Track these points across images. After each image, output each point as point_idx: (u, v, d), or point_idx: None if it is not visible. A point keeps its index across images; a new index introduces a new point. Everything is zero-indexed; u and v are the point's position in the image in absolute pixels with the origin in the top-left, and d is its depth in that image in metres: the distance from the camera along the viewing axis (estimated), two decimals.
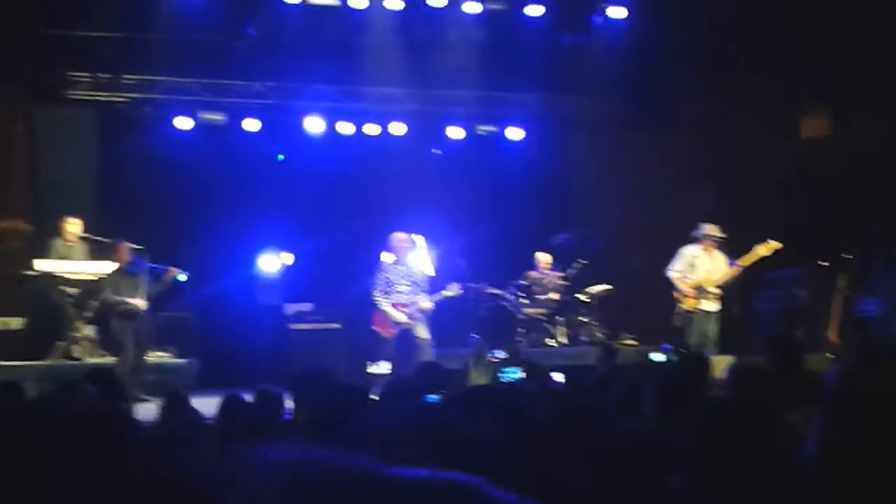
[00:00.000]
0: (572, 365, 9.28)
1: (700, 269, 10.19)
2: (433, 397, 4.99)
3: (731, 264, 10.15)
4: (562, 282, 12.47)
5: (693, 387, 4.55)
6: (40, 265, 10.30)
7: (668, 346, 6.23)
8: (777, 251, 10.05)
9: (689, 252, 10.30)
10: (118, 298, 9.92)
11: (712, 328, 10.14)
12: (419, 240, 10.36)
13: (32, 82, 12.22)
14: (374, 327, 9.97)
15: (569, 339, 12.22)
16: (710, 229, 10.22)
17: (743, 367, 4.51)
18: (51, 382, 6.87)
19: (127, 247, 10.08)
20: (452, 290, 10.17)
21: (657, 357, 6.36)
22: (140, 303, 10.01)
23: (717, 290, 10.21)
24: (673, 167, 13.03)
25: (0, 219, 11.74)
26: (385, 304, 9.83)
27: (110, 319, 10.13)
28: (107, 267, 10.35)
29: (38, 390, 7.09)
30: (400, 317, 9.75)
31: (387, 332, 9.86)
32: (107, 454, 3.53)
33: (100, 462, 3.49)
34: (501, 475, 2.32)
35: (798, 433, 4.08)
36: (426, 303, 9.89)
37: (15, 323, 10.14)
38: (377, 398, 4.99)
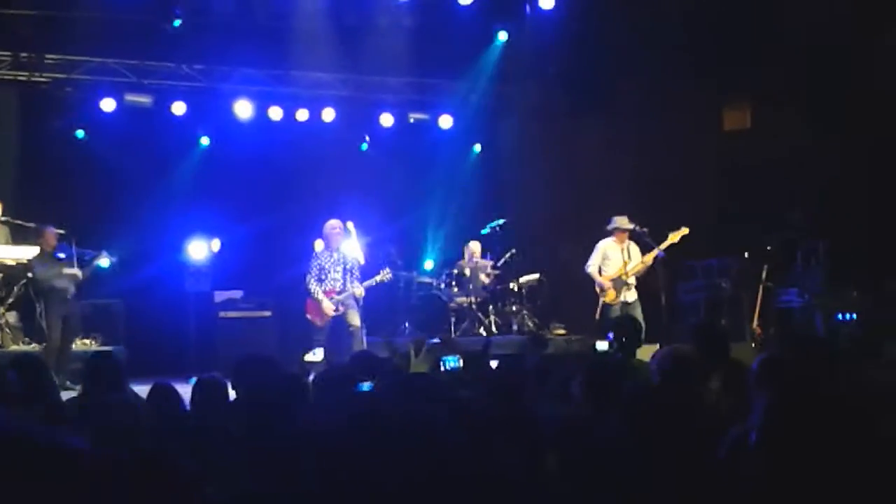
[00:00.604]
0: (503, 354, 9.38)
1: (615, 261, 10.43)
2: (366, 385, 5.01)
3: (645, 256, 10.37)
4: (492, 270, 12.58)
5: (621, 374, 4.66)
6: None
7: (611, 336, 6.32)
8: (686, 238, 10.26)
9: (603, 246, 10.54)
10: (47, 281, 9.67)
11: (638, 316, 10.31)
12: (350, 226, 10.33)
13: None
14: (307, 315, 9.92)
15: (499, 328, 12.34)
16: (620, 221, 10.46)
17: (669, 354, 4.63)
18: None
19: (53, 232, 9.84)
20: (383, 276, 10.18)
21: (602, 346, 6.46)
22: (68, 285, 9.76)
23: (633, 281, 10.43)
24: (603, 156, 13.21)
25: None
26: (318, 293, 9.78)
27: (36, 305, 9.88)
28: (30, 252, 10.07)
29: None
30: (329, 308, 9.72)
31: (320, 320, 9.82)
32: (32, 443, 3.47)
33: (26, 454, 3.42)
34: (439, 458, 2.37)
35: (724, 419, 4.23)
36: (358, 289, 9.88)
37: None
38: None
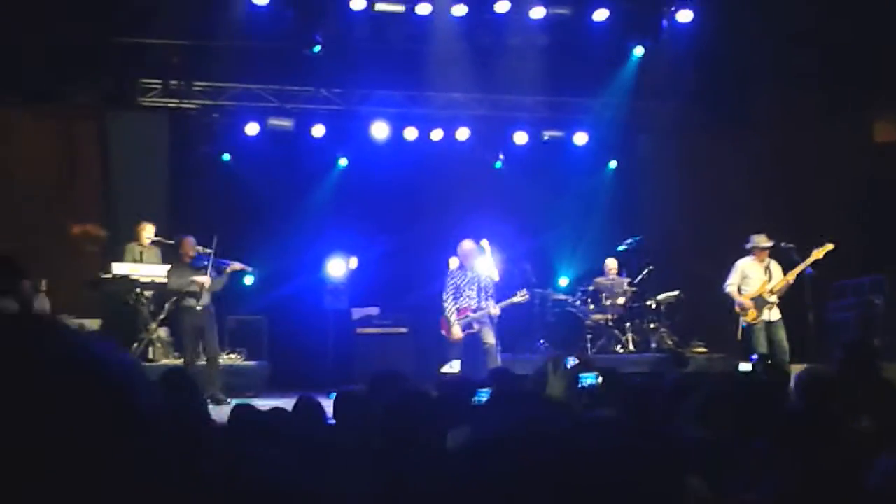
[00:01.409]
0: (641, 372, 9.20)
1: (755, 279, 10.07)
2: (484, 392, 4.98)
3: (788, 273, 9.96)
4: (629, 287, 12.36)
5: (772, 397, 4.48)
6: (116, 268, 10.51)
7: (756, 357, 6.12)
8: (830, 253, 9.80)
9: (742, 264, 10.21)
10: (179, 290, 9.89)
11: (781, 337, 9.95)
12: (485, 244, 10.32)
13: (105, 89, 12.47)
14: (441, 331, 9.98)
15: (636, 345, 12.10)
16: (758, 240, 10.10)
17: (810, 376, 4.40)
18: None
19: (191, 242, 10.05)
20: (520, 297, 10.17)
21: (745, 367, 6.23)
22: (204, 284, 9.94)
23: (776, 299, 10.02)
24: (743, 171, 12.86)
25: (76, 224, 12.01)
26: (451, 313, 9.85)
27: (178, 318, 10.19)
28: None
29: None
30: (456, 333, 9.80)
31: (453, 339, 9.85)
32: (174, 457, 3.58)
33: (168, 465, 3.53)
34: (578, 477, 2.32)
35: (871, 441, 4.00)
36: (494, 308, 9.87)
37: (91, 325, 10.32)
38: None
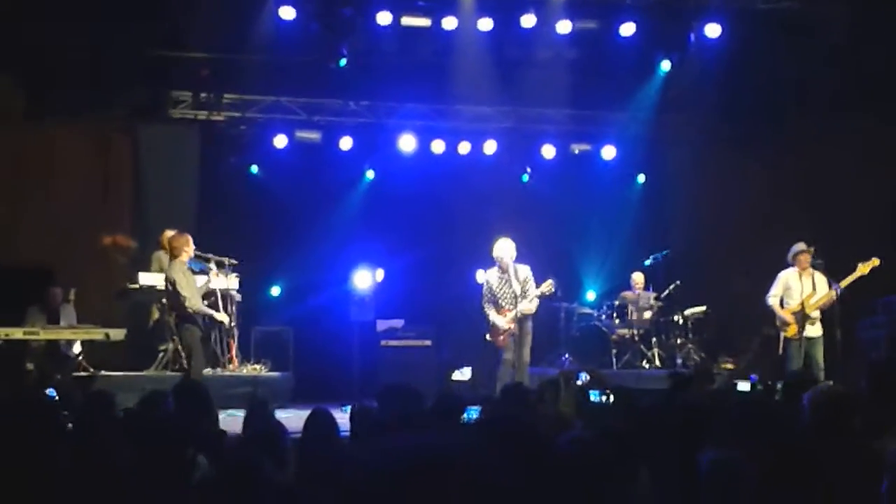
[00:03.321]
0: (659, 389, 9.08)
1: (797, 292, 9.77)
2: (474, 410, 4.97)
3: (833, 286, 9.74)
4: (656, 302, 12.26)
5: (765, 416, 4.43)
6: (143, 279, 10.61)
7: (755, 377, 6.08)
8: (876, 269, 9.58)
9: (785, 276, 9.89)
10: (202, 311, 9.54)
11: (818, 354, 9.73)
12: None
13: (137, 101, 12.64)
14: (488, 338, 9.59)
15: (662, 361, 11.99)
16: (801, 246, 9.80)
17: (820, 395, 4.33)
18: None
19: (190, 238, 9.52)
20: (547, 287, 9.56)
21: (744, 386, 6.15)
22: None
23: (818, 314, 9.79)
24: (772, 186, 12.73)
25: (106, 234, 12.16)
26: (492, 315, 9.47)
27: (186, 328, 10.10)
28: (202, 280, 10.60)
29: (136, 401, 7.33)
30: (502, 322, 9.35)
31: (501, 341, 9.45)
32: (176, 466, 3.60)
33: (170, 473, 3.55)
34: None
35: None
36: (526, 306, 9.38)
37: (117, 335, 10.42)
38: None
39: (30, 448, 3.00)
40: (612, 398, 5.62)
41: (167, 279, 9.27)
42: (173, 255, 9.30)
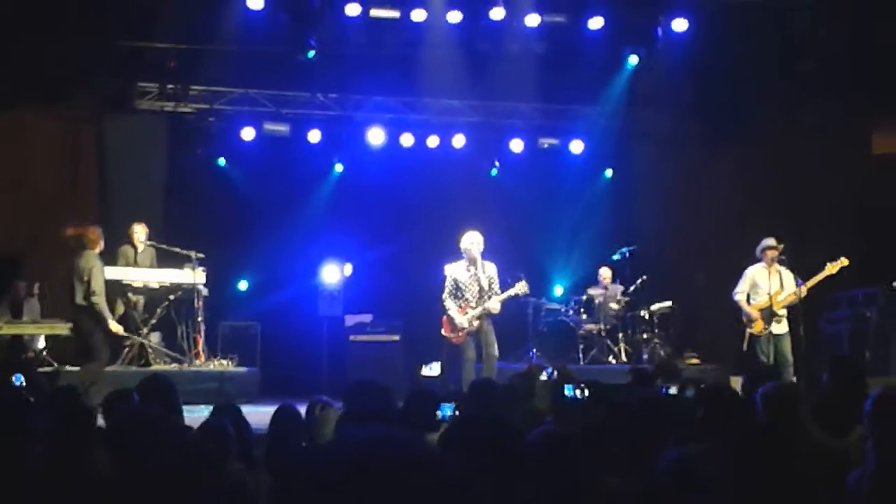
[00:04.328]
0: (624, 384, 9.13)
1: (764, 289, 9.75)
2: (448, 408, 4.97)
3: (799, 284, 9.76)
4: (623, 297, 12.33)
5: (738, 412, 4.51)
6: (109, 272, 10.47)
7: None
8: (845, 268, 9.66)
9: (752, 272, 9.85)
10: None
11: (786, 350, 9.70)
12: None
13: (103, 92, 12.49)
14: (442, 332, 9.51)
15: (629, 356, 12.07)
16: (770, 241, 9.75)
17: (773, 390, 4.41)
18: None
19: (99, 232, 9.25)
20: (519, 288, 9.51)
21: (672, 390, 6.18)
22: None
23: (784, 312, 9.76)
24: (739, 181, 12.83)
25: (71, 226, 12.00)
26: (453, 311, 9.37)
27: (178, 326, 10.03)
28: (175, 275, 10.55)
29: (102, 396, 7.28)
30: (463, 320, 9.26)
31: (457, 338, 9.38)
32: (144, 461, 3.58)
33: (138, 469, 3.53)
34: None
35: (846, 456, 3.98)
36: (494, 305, 9.32)
37: None
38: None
39: None
40: (586, 393, 5.64)
41: (83, 269, 8.91)
42: (91, 247, 9.04)
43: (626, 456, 4.03)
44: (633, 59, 12.70)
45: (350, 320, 12.03)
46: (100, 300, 8.86)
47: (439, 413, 4.73)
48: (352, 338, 11.86)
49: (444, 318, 9.53)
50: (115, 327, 9.23)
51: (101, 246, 9.14)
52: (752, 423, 4.24)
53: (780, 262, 9.78)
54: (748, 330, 9.79)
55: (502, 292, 9.43)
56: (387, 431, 1.37)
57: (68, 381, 8.70)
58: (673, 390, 5.77)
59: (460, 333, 9.35)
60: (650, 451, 4.03)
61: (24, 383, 6.53)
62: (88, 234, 9.08)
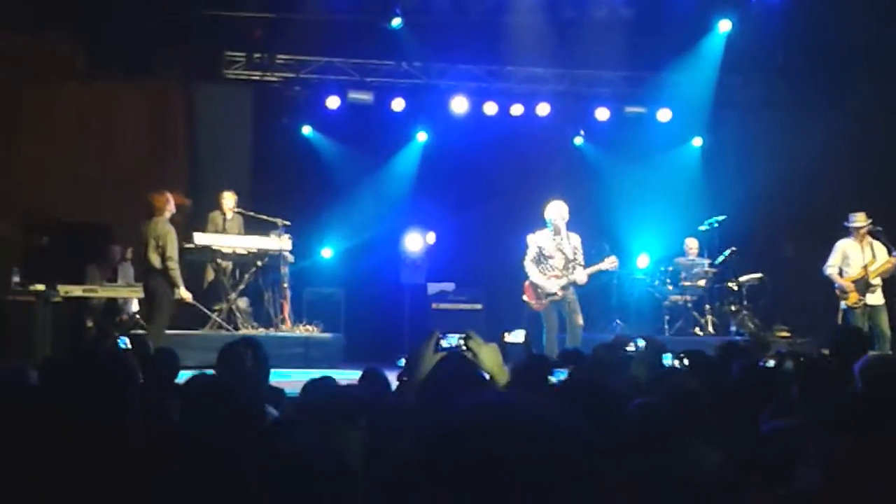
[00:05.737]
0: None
1: (856, 261, 9.60)
2: (563, 372, 4.93)
3: (893, 254, 9.54)
4: (710, 269, 12.08)
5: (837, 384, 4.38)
6: (198, 238, 10.71)
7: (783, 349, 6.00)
8: None
9: (843, 245, 9.71)
10: None
11: (882, 322, 9.49)
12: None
13: (190, 62, 12.70)
14: (524, 298, 9.45)
15: (716, 328, 11.86)
16: (858, 218, 9.61)
17: (872, 362, 4.26)
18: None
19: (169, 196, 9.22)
20: (609, 264, 9.44)
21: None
22: None
23: (879, 282, 9.58)
24: (832, 152, 12.44)
25: (161, 193, 12.26)
26: (537, 276, 9.26)
27: (264, 292, 10.20)
28: (263, 242, 10.72)
29: (195, 359, 7.47)
30: (552, 286, 9.15)
31: (538, 305, 9.30)
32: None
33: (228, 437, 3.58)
34: None
35: None
36: (582, 276, 9.26)
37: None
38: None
39: (102, 397, 3.02)
40: (685, 363, 5.54)
41: (155, 234, 8.87)
42: (157, 214, 8.96)
43: (727, 428, 3.96)
44: (725, 25, 12.38)
45: (432, 288, 12.07)
46: (174, 266, 8.87)
47: (552, 378, 4.69)
48: (434, 306, 11.91)
49: (527, 283, 9.44)
50: (185, 294, 9.34)
51: (170, 211, 9.05)
52: (851, 395, 4.12)
53: (872, 234, 9.58)
54: (843, 303, 9.60)
55: (591, 266, 9.39)
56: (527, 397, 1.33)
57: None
58: (771, 363, 5.64)
59: (544, 301, 9.28)
60: (750, 424, 3.96)
61: (129, 345, 6.73)
62: (154, 201, 9.02)
